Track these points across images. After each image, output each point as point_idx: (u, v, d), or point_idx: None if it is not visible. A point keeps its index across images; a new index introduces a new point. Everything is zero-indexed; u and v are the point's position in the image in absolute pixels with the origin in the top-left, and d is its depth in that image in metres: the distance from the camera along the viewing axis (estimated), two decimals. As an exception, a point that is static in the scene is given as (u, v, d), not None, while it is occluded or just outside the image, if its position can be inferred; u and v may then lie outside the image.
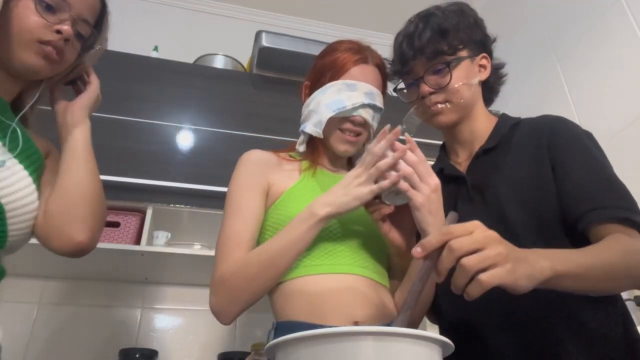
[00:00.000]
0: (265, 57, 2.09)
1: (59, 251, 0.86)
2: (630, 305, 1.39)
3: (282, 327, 0.88)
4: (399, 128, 0.87)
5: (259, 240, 0.98)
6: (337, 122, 1.06)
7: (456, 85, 1.02)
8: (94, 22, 0.93)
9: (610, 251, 0.76)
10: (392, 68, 1.11)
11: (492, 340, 0.88)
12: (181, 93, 1.98)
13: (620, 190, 0.86)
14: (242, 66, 2.27)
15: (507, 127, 1.05)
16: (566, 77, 2.11)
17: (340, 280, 0.90)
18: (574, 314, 0.84)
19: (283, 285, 0.92)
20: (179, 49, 2.31)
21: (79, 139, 0.91)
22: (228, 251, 0.91)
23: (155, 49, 2.30)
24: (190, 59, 2.18)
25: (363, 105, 1.05)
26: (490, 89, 1.13)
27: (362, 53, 1.08)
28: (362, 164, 0.88)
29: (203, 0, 2.77)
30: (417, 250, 0.64)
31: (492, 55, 1.11)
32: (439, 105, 1.03)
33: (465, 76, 1.04)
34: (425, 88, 1.03)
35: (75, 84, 0.99)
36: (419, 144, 0.90)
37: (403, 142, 0.88)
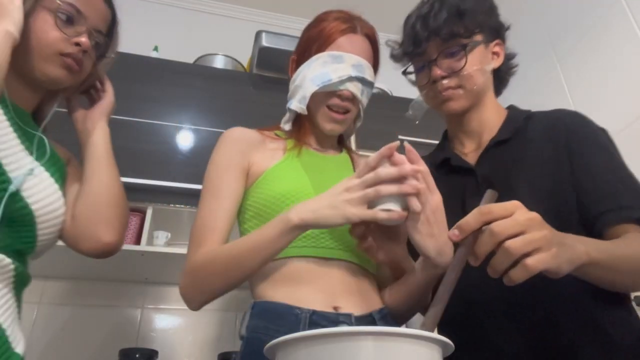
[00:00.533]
0: (265, 57, 2.09)
1: (88, 253, 0.88)
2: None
3: (260, 307, 0.85)
4: (396, 143, 0.74)
5: (239, 219, 0.96)
6: (324, 97, 0.99)
7: (470, 70, 0.97)
8: (106, 31, 0.97)
9: (637, 246, 0.75)
10: (402, 49, 1.05)
11: (498, 340, 0.85)
12: (181, 93, 1.98)
13: (638, 190, 0.84)
14: (242, 66, 2.27)
15: (519, 119, 1.00)
16: (566, 77, 2.11)
17: (323, 264, 0.87)
18: (589, 317, 0.81)
19: (267, 267, 0.88)
20: (179, 49, 2.31)
21: (100, 145, 0.95)
22: (202, 237, 0.89)
23: (155, 49, 2.30)
24: (190, 59, 2.18)
25: (350, 78, 0.97)
26: (500, 78, 1.08)
27: (350, 22, 1.01)
28: (359, 175, 0.74)
29: (203, 0, 2.77)
30: (454, 233, 0.61)
31: (505, 43, 1.06)
32: (451, 91, 0.98)
33: (480, 61, 0.99)
34: (438, 71, 0.98)
35: (89, 92, 1.02)
36: (418, 145, 0.88)
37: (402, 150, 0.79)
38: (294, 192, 0.90)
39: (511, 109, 1.06)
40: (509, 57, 1.08)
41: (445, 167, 1.03)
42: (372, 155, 0.73)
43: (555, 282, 0.65)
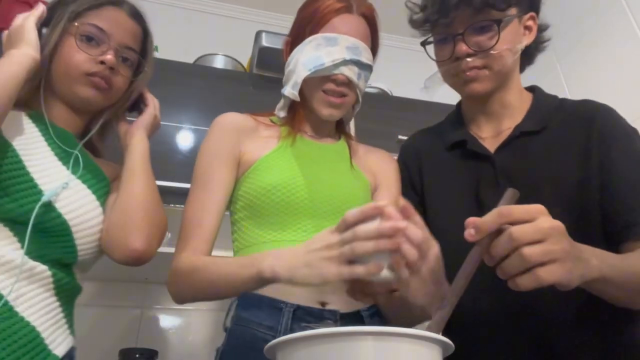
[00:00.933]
0: (265, 57, 2.09)
1: (120, 260, 0.90)
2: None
3: (245, 299, 0.84)
4: (381, 204, 0.64)
5: (230, 209, 0.95)
6: (319, 82, 0.94)
7: (501, 50, 0.87)
8: (138, 48, 1.00)
9: None
10: (424, 15, 0.93)
11: (503, 343, 0.82)
12: (181, 93, 1.98)
13: None
14: (242, 66, 2.27)
15: (548, 109, 0.92)
16: (566, 77, 2.11)
17: None
18: (603, 330, 0.78)
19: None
20: (179, 49, 2.30)
21: (135, 156, 0.96)
22: (189, 232, 0.89)
23: (155, 49, 2.28)
24: (190, 59, 2.18)
25: (345, 62, 0.92)
26: (528, 55, 0.97)
27: (345, 1, 0.95)
28: (339, 228, 0.67)
29: (203, 0, 2.77)
30: (470, 233, 0.58)
31: (539, 14, 0.95)
32: (476, 71, 0.88)
33: (512, 39, 0.88)
34: (464, 47, 0.87)
35: (138, 109, 1.05)
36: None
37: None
38: (284, 184, 0.88)
39: (537, 93, 0.98)
40: (542, 29, 0.96)
41: (458, 149, 0.96)
42: (353, 211, 0.65)
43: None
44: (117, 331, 1.81)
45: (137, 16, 1.00)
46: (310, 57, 0.92)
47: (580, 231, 0.77)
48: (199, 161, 0.95)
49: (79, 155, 0.93)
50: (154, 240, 0.91)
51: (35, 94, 0.93)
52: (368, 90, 2.18)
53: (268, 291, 0.82)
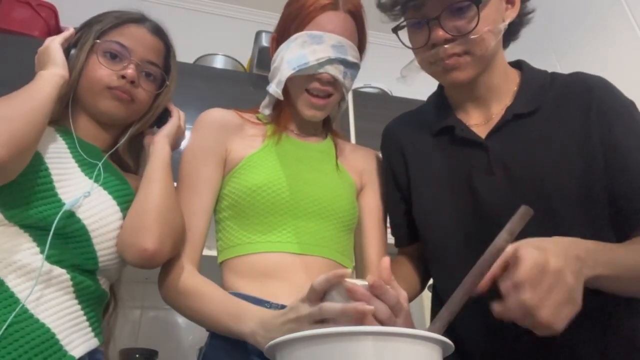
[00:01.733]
0: (265, 57, 2.09)
1: (133, 262, 0.88)
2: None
3: None
4: (344, 271, 0.63)
5: (216, 208, 0.94)
6: (303, 81, 0.92)
7: (482, 33, 0.78)
8: (161, 63, 1.04)
9: None
10: None
11: (501, 336, 0.79)
12: (181, 93, 1.97)
13: None
14: (242, 66, 2.27)
15: (538, 85, 0.86)
16: (566, 77, 2.11)
17: (299, 260, 0.85)
18: (602, 321, 0.76)
19: (235, 261, 0.88)
20: (179, 49, 2.29)
21: (155, 163, 0.95)
22: None
23: (156, 49, 2.29)
24: (190, 59, 2.18)
25: (330, 61, 0.89)
26: (511, 31, 0.88)
27: None
28: (308, 298, 0.65)
29: (203, 0, 2.77)
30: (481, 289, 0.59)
31: None
32: (456, 58, 0.80)
33: (493, 19, 0.80)
34: (440, 33, 0.79)
35: (164, 123, 1.05)
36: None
37: None
38: (268, 185, 0.88)
39: (524, 70, 0.91)
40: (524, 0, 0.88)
41: (445, 135, 0.91)
42: (319, 279, 0.64)
43: None
44: (117, 331, 1.81)
45: (159, 32, 1.05)
46: (295, 56, 0.90)
47: (586, 223, 0.75)
48: (184, 160, 0.94)
49: (103, 167, 0.96)
50: (166, 240, 0.86)
51: (64, 110, 0.97)
52: (368, 90, 2.18)
53: (252, 291, 0.82)
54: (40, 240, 0.82)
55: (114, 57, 0.96)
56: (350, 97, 1.99)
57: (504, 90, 0.88)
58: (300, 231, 0.87)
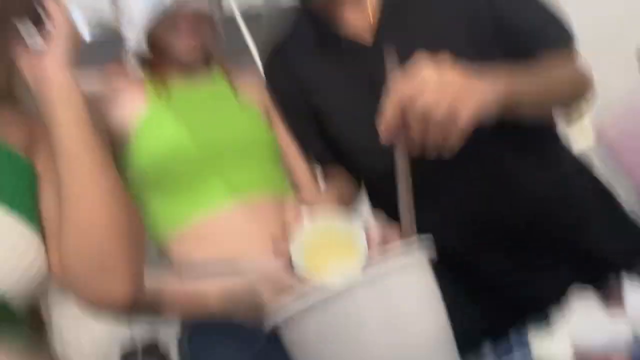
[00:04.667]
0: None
1: (96, 311, 0.64)
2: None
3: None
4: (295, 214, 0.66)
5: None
6: (167, 24, 0.78)
7: None
8: None
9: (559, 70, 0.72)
10: None
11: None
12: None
13: (558, 17, 0.77)
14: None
15: None
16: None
17: (243, 212, 0.78)
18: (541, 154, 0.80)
19: (183, 234, 0.79)
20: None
21: (65, 118, 0.54)
22: None
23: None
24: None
25: None
26: None
27: None
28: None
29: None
30: (385, 139, 0.57)
31: None
32: None
33: None
34: None
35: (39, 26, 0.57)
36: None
37: None
38: (171, 151, 0.79)
39: None
40: None
41: (331, 47, 0.83)
42: (276, 234, 0.69)
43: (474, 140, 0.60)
44: (117, 331, 1.80)
45: None
46: None
47: (478, 45, 0.75)
48: None
49: None
50: (140, 273, 0.60)
51: None
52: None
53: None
54: None
55: None
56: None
57: None
58: (231, 182, 0.79)
